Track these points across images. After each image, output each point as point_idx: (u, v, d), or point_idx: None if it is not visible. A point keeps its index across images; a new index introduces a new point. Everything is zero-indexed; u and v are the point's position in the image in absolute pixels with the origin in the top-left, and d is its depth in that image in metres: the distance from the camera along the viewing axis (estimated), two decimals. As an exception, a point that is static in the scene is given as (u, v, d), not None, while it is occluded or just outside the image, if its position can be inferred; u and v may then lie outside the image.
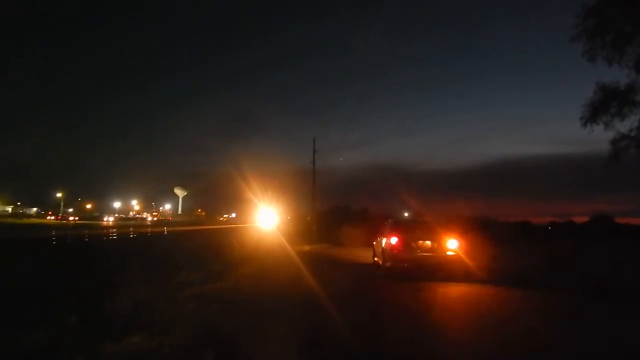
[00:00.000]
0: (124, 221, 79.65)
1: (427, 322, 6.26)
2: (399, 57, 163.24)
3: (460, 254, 11.50)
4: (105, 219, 79.13)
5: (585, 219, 54.42)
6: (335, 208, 50.96)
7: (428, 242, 11.41)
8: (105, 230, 31.60)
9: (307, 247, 23.07)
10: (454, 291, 9.41)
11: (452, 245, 11.40)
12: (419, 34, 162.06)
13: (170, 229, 38.01)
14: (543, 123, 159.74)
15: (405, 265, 11.27)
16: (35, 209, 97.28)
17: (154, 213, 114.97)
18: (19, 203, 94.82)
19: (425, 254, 11.26)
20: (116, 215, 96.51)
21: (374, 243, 14.25)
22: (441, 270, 11.04)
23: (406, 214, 55.39)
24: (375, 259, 13.58)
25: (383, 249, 12.00)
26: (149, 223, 72.32)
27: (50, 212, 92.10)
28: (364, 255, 17.53)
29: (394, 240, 11.45)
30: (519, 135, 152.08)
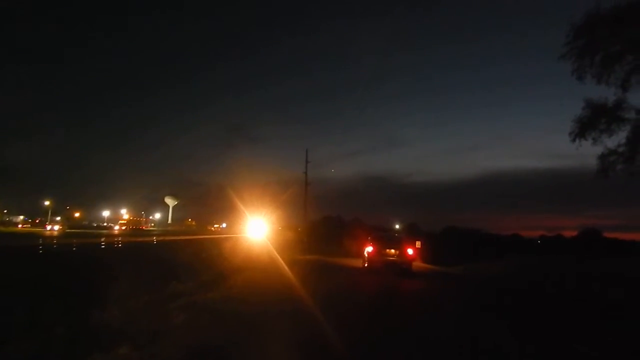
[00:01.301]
0: (83, 229, 71.93)
1: (380, 288, 13.08)
2: (392, 68, 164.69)
3: (414, 258, 18.26)
4: (48, 227, 68.76)
5: (574, 233, 55.04)
6: (327, 219, 50.94)
7: (393, 250, 17.23)
8: (93, 240, 31.10)
9: (297, 257, 22.94)
10: (397, 278, 15.41)
11: (410, 252, 17.39)
12: (413, 47, 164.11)
13: (161, 238, 37.59)
14: (534, 137, 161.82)
15: (377, 265, 17.14)
16: (22, 217, 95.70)
17: (122, 222, 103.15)
18: (5, 211, 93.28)
19: (391, 258, 17.13)
20: (63, 223, 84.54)
21: (364, 251, 18.98)
22: (399, 268, 16.86)
23: (397, 226, 55.74)
24: (365, 263, 18.47)
25: (364, 255, 18.39)
26: (115, 232, 63.80)
27: (37, 220, 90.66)
28: (353, 263, 21.74)
29: (369, 249, 17.60)
30: (511, 148, 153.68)
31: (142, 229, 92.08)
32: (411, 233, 45.71)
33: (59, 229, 66.52)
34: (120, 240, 30.30)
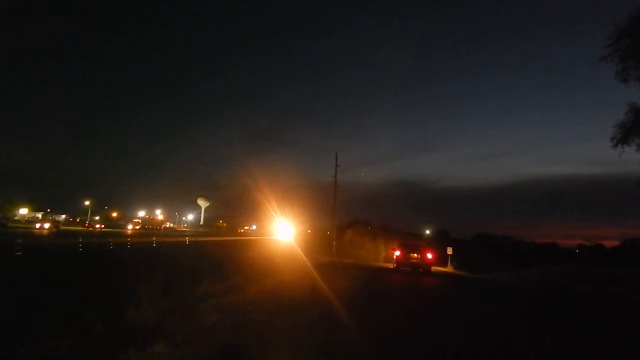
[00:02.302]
0: (120, 229, 71.74)
1: (406, 282, 16.70)
2: (424, 72, 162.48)
3: (433, 261, 22.50)
4: (37, 225, 62.53)
5: (615, 243, 52.59)
6: (355, 223, 50.72)
7: (415, 255, 21.63)
8: (128, 239, 32.19)
9: (326, 260, 22.96)
10: (420, 276, 20.17)
11: (429, 256, 21.68)
12: (445, 50, 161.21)
13: (193, 239, 38.47)
14: (573, 143, 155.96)
15: (404, 266, 21.90)
16: (64, 216, 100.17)
17: (135, 221, 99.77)
18: (48, 210, 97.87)
19: (414, 260, 21.61)
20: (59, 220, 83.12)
21: (393, 255, 23.58)
22: (421, 268, 21.40)
23: (427, 232, 54.83)
24: (394, 264, 23.10)
25: (393, 258, 23.16)
26: (128, 232, 58.84)
27: (78, 219, 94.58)
28: (382, 266, 26.44)
29: (397, 253, 22.42)
30: (548, 154, 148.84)
31: (157, 229, 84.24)
32: (441, 239, 45.14)
33: (99, 227, 69.52)
34: (155, 240, 31.19)
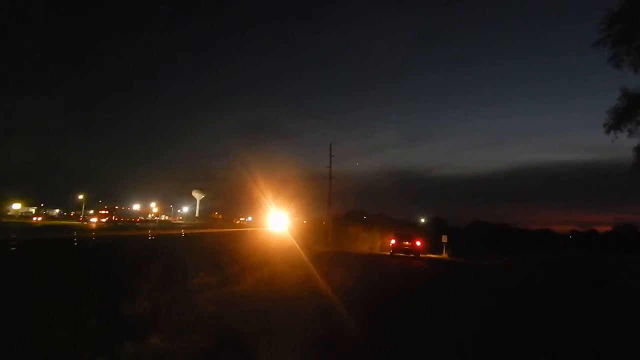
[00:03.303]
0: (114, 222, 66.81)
1: (400, 264, 20.72)
2: (418, 61, 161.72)
3: (421, 248, 26.33)
4: (92, 220, 63.22)
5: (608, 228, 53.14)
6: (351, 213, 50.91)
7: (407, 242, 25.76)
8: (125, 232, 32.11)
9: (322, 250, 23.03)
10: (411, 259, 24.52)
11: (418, 243, 25.71)
12: (440, 39, 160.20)
13: (188, 231, 38.43)
14: (566, 130, 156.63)
15: (398, 251, 25.65)
16: (57, 211, 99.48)
17: (102, 212, 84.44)
18: (42, 205, 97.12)
19: (406, 247, 25.56)
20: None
21: (389, 242, 27.68)
22: (412, 253, 25.32)
23: (422, 220, 55.07)
24: (390, 250, 26.72)
25: (390, 245, 26.85)
26: (93, 226, 51.34)
27: (72, 214, 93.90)
28: (378, 254, 30.22)
29: (393, 241, 26.36)
30: (543, 142, 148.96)
31: (133, 222, 72.44)
32: (436, 228, 45.43)
33: (96, 221, 68.45)
34: (152, 233, 31.15)
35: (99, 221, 67.10)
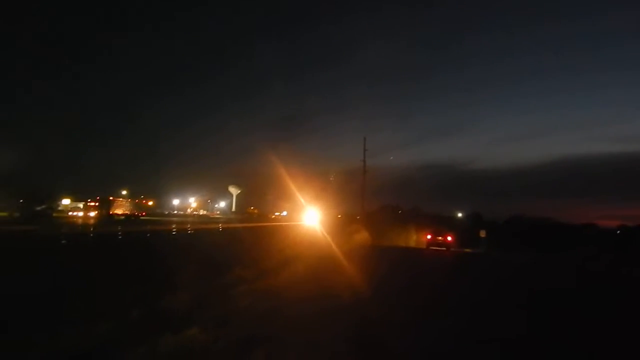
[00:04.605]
0: (156, 217, 66.79)
1: (434, 254, 25.79)
2: (453, 54, 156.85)
3: (452, 242, 30.47)
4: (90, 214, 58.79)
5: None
6: (385, 207, 50.43)
7: (440, 238, 30.42)
8: (169, 227, 33.27)
9: (356, 245, 23.00)
10: (442, 252, 27.49)
11: (449, 238, 30.25)
12: (474, 31, 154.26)
13: (225, 226, 39.36)
14: (609, 120, 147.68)
15: (433, 245, 30.15)
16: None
17: (91, 204, 71.69)
18: (89, 200, 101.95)
19: (439, 241, 30.17)
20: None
21: (425, 237, 32.45)
22: (444, 247, 29.54)
23: (459, 215, 53.84)
24: (426, 245, 31.21)
25: (426, 239, 31.60)
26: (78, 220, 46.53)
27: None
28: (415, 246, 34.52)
29: (429, 236, 31.27)
30: (583, 133, 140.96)
31: (137, 216, 64.53)
32: (473, 222, 44.38)
33: (141, 215, 70.75)
34: (190, 228, 32.13)
35: (85, 216, 58.86)
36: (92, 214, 61.62)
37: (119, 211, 66.12)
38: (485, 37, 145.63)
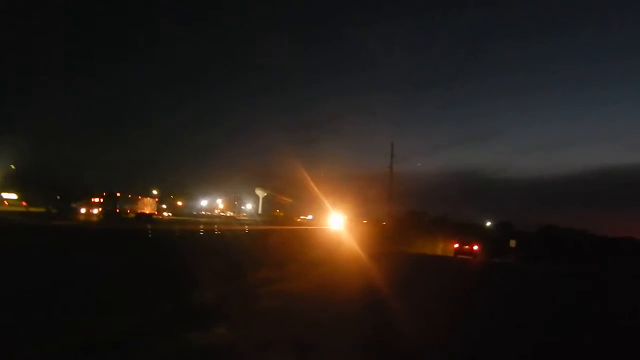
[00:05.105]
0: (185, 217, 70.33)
1: (460, 262, 26.75)
2: (486, 61, 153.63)
3: (478, 251, 31.03)
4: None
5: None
6: (413, 213, 49.77)
7: (467, 246, 31.51)
8: (196, 227, 33.91)
9: (382, 251, 22.78)
10: (466, 260, 27.67)
11: (475, 247, 31.08)
12: (507, 37, 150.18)
13: (251, 228, 39.79)
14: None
15: (460, 253, 31.02)
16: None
17: (95, 201, 63.66)
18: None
19: (466, 250, 31.10)
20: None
21: (453, 246, 33.42)
22: (471, 255, 29.99)
23: (488, 224, 52.56)
24: (453, 253, 32.19)
25: (454, 248, 32.73)
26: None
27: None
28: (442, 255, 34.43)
29: (456, 245, 32.60)
30: (617, 144, 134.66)
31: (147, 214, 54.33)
32: (503, 232, 43.26)
33: (168, 215, 72.41)
34: (218, 228, 32.66)
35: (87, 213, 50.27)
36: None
37: (146, 210, 67.13)
38: (516, 44, 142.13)
